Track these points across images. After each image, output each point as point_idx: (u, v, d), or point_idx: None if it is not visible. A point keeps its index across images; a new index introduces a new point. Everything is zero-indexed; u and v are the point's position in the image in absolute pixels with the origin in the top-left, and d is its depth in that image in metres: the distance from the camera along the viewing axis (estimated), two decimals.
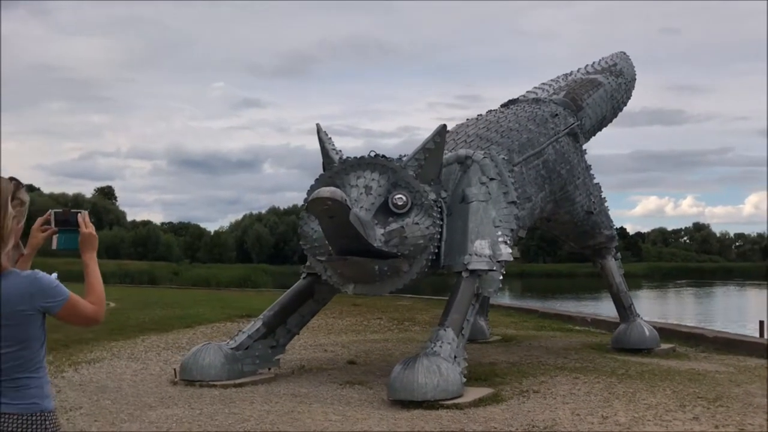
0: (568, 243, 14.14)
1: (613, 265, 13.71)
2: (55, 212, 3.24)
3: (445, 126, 10.17)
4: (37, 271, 2.98)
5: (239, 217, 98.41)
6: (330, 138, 10.45)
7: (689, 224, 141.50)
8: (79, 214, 3.20)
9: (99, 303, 3.05)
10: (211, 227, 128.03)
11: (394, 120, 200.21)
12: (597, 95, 14.52)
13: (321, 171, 10.24)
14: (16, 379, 2.90)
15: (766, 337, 16.64)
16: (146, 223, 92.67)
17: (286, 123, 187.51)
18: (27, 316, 2.91)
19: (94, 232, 3.20)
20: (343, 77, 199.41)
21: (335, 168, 9.94)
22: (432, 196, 9.76)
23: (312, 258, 10.01)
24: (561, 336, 15.71)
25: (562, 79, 15.21)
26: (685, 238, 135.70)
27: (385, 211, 9.60)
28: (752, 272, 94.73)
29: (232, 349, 10.20)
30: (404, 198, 9.58)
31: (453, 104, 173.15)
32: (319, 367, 11.34)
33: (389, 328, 16.94)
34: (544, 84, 15.10)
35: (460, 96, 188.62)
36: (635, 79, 16.05)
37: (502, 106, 13.80)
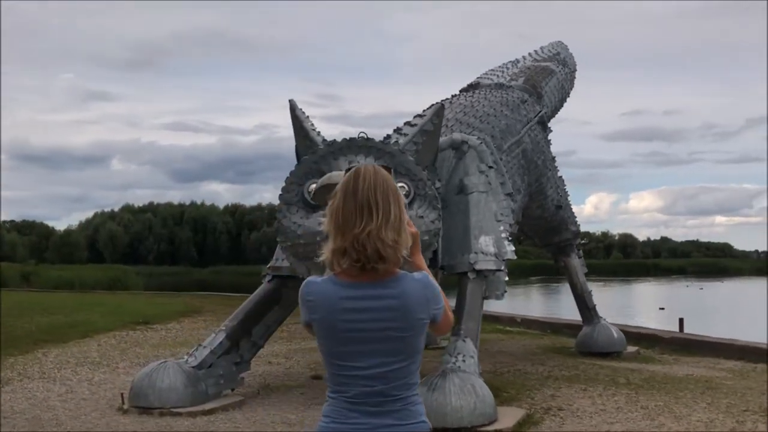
0: (534, 239, 13.16)
1: (578, 263, 12.83)
2: None
3: (443, 106, 8.90)
4: (425, 273, 2.55)
5: (87, 215, 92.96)
6: (308, 116, 8.92)
7: None
8: None
9: (448, 306, 2.61)
10: (57, 225, 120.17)
11: (252, 117, 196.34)
12: (552, 83, 13.63)
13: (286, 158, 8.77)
14: (405, 398, 2.49)
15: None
16: None
17: (137, 118, 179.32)
18: (423, 325, 2.50)
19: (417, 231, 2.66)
20: (199, 71, 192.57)
21: (320, 151, 8.42)
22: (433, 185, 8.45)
23: (293, 257, 8.44)
24: (506, 338, 14.76)
25: (512, 65, 14.21)
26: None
27: None
28: (599, 269, 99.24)
29: (193, 367, 8.50)
30: (406, 187, 8.19)
31: (312, 102, 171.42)
32: (283, 384, 9.78)
33: None
34: (493, 70, 14.06)
35: (320, 95, 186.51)
36: (576, 70, 15.33)
37: (462, 90, 12.63)
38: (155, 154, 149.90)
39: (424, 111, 11.02)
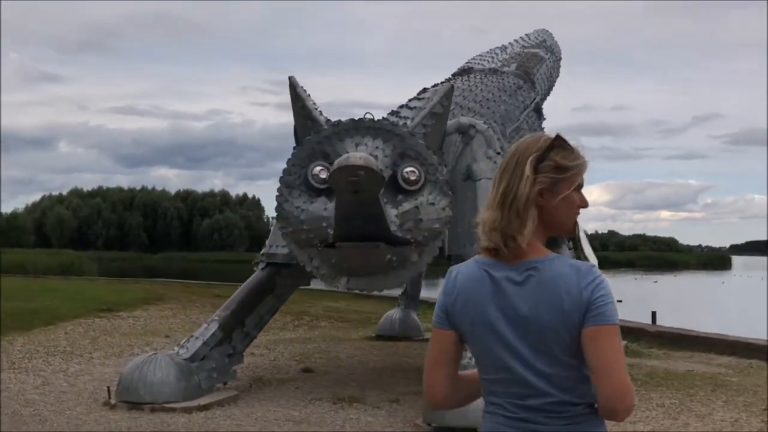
0: None
1: (568, 255, 12.52)
2: None
3: (452, 87, 8.44)
4: (580, 262, 2.12)
5: (32, 198, 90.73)
6: (309, 95, 8.41)
7: None
8: None
9: None
10: (1, 208, 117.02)
11: (204, 102, 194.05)
12: (542, 70, 13.29)
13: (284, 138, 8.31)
14: (578, 414, 2.02)
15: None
16: None
17: (87, 100, 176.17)
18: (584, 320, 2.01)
19: None
20: (153, 55, 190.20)
21: (325, 132, 7.91)
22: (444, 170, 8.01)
23: (294, 244, 7.92)
24: None
25: (500, 51, 13.86)
26: None
27: (392, 187, 7.74)
28: None
29: (185, 359, 7.96)
30: (417, 172, 7.73)
31: (266, 89, 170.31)
32: (274, 377, 9.28)
33: (295, 325, 14.94)
34: (482, 55, 13.70)
35: (274, 82, 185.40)
36: (561, 58, 15.05)
37: (455, 75, 12.21)
38: (103, 137, 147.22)
39: (419, 93, 10.62)
